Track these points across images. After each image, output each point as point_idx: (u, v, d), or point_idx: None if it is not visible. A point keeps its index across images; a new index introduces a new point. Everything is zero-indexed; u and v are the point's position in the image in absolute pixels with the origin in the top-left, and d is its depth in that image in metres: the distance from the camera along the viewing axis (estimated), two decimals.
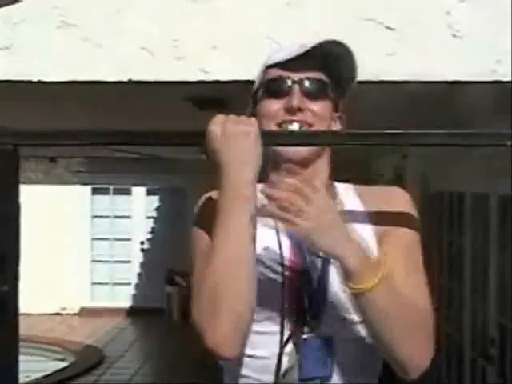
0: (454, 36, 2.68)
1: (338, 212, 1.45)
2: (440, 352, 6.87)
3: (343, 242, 1.39)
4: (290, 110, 1.60)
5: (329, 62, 1.64)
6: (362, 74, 2.78)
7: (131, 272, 13.51)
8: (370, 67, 2.70)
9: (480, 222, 5.65)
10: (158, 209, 13.55)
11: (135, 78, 2.76)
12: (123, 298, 13.31)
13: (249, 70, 2.76)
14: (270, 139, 1.52)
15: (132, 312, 13.13)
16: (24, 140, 1.55)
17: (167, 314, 12.75)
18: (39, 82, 2.73)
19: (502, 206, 5.07)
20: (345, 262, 1.39)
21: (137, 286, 13.50)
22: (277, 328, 1.53)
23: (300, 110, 1.60)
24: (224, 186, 1.44)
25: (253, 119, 1.50)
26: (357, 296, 1.41)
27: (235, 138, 1.44)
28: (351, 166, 11.49)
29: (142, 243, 13.50)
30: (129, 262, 13.53)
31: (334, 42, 1.61)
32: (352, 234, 1.45)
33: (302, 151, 1.61)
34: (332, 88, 1.67)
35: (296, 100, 1.59)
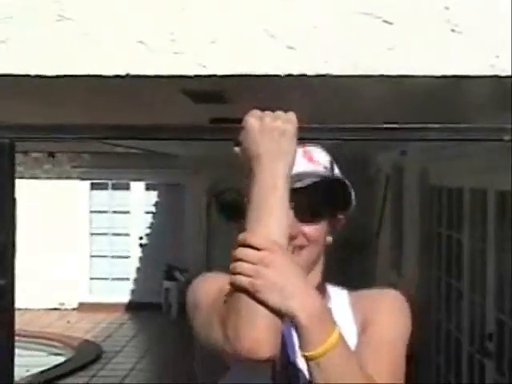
0: (453, 31, 2.67)
1: (299, 270, 1.42)
2: (438, 347, 6.88)
3: (296, 298, 1.36)
4: None
5: (324, 195, 1.64)
6: (361, 69, 2.78)
7: (130, 267, 13.52)
8: (368, 62, 2.69)
9: (478, 217, 5.66)
10: (156, 204, 13.55)
11: (133, 72, 2.75)
12: (122, 293, 13.32)
13: (247, 64, 2.77)
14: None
15: (130, 307, 13.14)
16: (20, 134, 1.55)
17: (165, 309, 12.77)
18: (36, 76, 2.72)
19: (500, 202, 5.08)
20: (296, 320, 1.37)
21: (135, 281, 13.52)
22: None
23: (292, 237, 1.57)
24: (258, 176, 1.44)
25: (291, 115, 1.49)
26: (308, 362, 1.39)
27: (272, 133, 1.45)
28: (350, 162, 11.52)
29: (141, 238, 13.50)
30: (127, 257, 13.54)
31: (328, 178, 1.64)
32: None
33: (302, 257, 1.61)
34: (327, 211, 1.68)
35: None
